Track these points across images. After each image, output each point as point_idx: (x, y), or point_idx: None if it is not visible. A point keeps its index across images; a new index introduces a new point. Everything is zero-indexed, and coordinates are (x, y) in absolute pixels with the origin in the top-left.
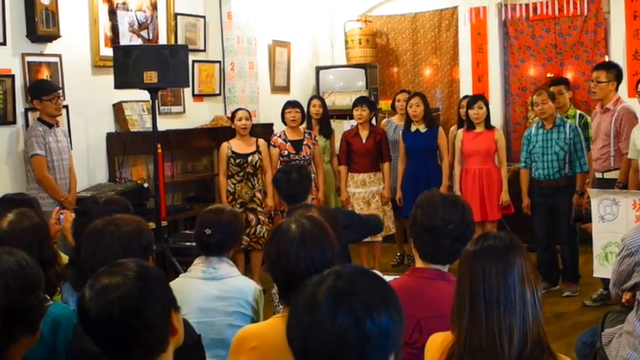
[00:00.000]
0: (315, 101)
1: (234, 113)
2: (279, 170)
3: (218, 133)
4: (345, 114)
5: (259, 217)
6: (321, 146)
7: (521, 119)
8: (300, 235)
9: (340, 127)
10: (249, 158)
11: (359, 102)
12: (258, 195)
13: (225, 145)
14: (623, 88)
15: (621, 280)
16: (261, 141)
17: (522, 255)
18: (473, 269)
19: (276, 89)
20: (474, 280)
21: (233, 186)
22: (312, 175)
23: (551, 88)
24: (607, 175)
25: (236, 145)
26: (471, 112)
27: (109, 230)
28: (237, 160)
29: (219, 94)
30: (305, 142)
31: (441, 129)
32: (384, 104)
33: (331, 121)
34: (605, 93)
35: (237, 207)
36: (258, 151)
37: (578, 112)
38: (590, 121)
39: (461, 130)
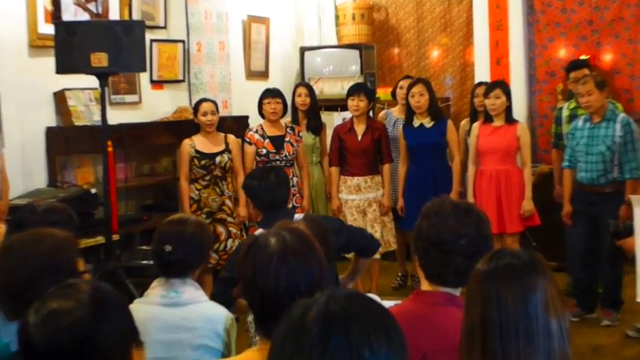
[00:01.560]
0: (301, 89)
1: (197, 105)
2: (250, 175)
3: (182, 127)
4: (335, 105)
5: (230, 229)
6: (309, 144)
7: (548, 110)
8: (281, 250)
9: (330, 120)
10: (217, 159)
11: (355, 90)
12: (229, 203)
13: (187, 142)
14: None
15: None
16: (232, 137)
17: (546, 276)
18: (485, 293)
19: (252, 75)
20: (486, 306)
21: (197, 192)
22: (296, 179)
23: (571, 74)
24: None
25: (201, 142)
26: (487, 101)
27: (22, 246)
28: (203, 161)
29: (183, 81)
30: (287, 139)
31: (450, 123)
32: (382, 93)
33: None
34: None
35: (204, 217)
36: (227, 149)
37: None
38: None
39: (476, 124)
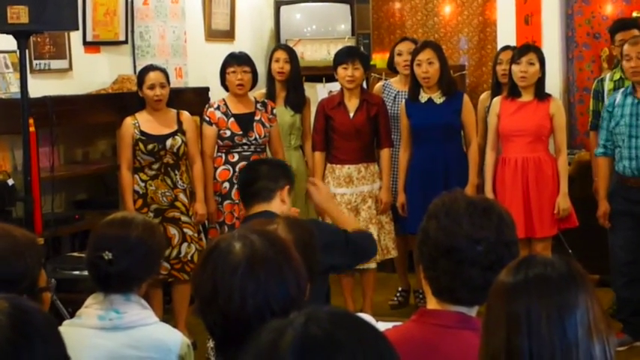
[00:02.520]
0: (280, 53)
1: (142, 75)
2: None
3: (123, 102)
4: (319, 74)
5: (185, 231)
6: (286, 123)
7: (591, 83)
8: (248, 258)
9: (312, 93)
10: (168, 142)
11: (348, 56)
12: (183, 198)
13: (129, 122)
14: None
15: None
16: (186, 115)
17: (588, 291)
18: (512, 313)
19: (213, 35)
20: (513, 330)
21: (143, 184)
22: None
23: (617, 36)
24: None
25: (147, 122)
26: (516, 68)
27: None
28: (150, 146)
29: (125, 42)
30: (257, 118)
31: (466, 98)
32: (379, 59)
33: None
34: None
35: (151, 217)
36: (180, 130)
37: None
38: None
39: (497, 99)
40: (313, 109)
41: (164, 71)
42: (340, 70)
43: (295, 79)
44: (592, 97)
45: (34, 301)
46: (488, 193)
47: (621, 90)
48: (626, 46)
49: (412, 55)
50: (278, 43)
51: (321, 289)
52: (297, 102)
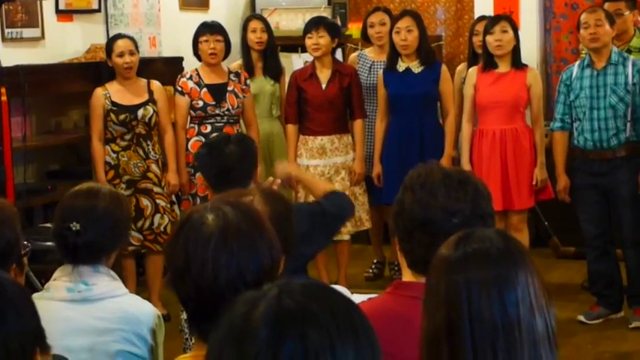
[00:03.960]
0: (256, 23)
1: (110, 44)
2: (205, 144)
3: (97, 71)
4: (295, 44)
5: (157, 202)
6: (267, 92)
7: (568, 54)
8: (221, 230)
9: (288, 64)
10: (140, 112)
11: (312, 25)
12: (155, 168)
13: (99, 92)
14: None
15: None
16: (156, 84)
17: (527, 267)
18: (452, 289)
19: (187, 4)
20: (453, 306)
21: (115, 155)
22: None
23: (606, 5)
24: None
25: (117, 92)
26: (490, 38)
27: None
28: (121, 116)
29: (99, 11)
30: (230, 88)
31: (444, 68)
32: (355, 29)
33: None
34: None
35: (123, 188)
36: (152, 100)
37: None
38: None
39: (473, 69)
40: (287, 79)
41: (132, 39)
42: (307, 40)
43: (272, 48)
44: None
45: (18, 271)
46: (465, 165)
47: (577, 63)
48: (583, 15)
49: (391, 23)
50: (252, 14)
51: (297, 266)
52: (275, 71)
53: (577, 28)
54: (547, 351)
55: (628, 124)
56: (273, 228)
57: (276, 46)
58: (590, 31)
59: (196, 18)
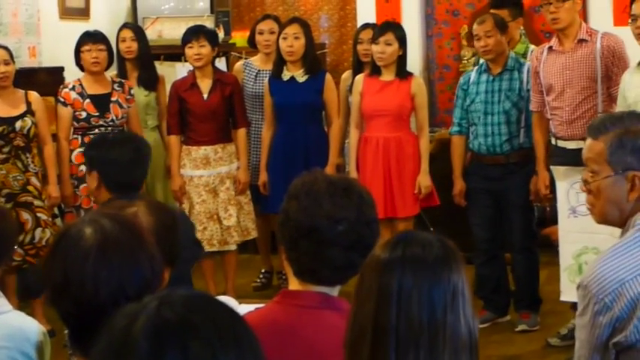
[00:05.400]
0: (125, 32)
1: None
2: (94, 143)
3: None
4: (179, 53)
5: (38, 215)
6: (141, 103)
7: (451, 60)
8: (100, 244)
9: (171, 73)
10: (18, 124)
11: (192, 35)
12: (35, 181)
13: None
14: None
15: (596, 347)
16: (35, 95)
17: (460, 273)
18: (383, 286)
19: (67, 13)
20: (382, 302)
21: None
22: None
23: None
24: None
25: None
26: (374, 49)
27: None
28: None
29: None
30: (114, 99)
31: (329, 77)
32: (239, 37)
33: (158, 64)
34: (571, 17)
35: (3, 201)
36: (30, 111)
37: (532, 47)
38: None
39: (359, 77)
40: (167, 89)
41: (6, 48)
42: (187, 50)
43: (144, 56)
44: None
45: None
46: (352, 172)
47: (475, 68)
48: (474, 26)
49: (279, 31)
50: (125, 22)
51: (184, 278)
52: (149, 80)
53: (465, 37)
54: (467, 356)
55: (522, 131)
56: (158, 239)
57: (151, 54)
58: (482, 44)
59: (77, 27)
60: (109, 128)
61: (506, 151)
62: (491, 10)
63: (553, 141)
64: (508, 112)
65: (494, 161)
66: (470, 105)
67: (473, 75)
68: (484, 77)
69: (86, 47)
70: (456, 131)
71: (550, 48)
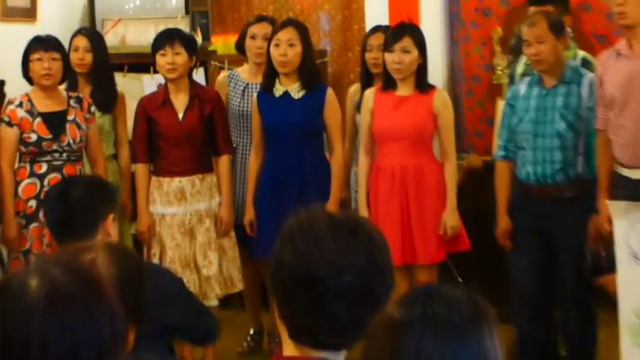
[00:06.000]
0: (79, 40)
1: None
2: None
3: None
4: (146, 62)
5: None
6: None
7: (481, 70)
8: (48, 298)
9: (137, 87)
10: None
11: (166, 40)
12: None
13: None
14: None
15: None
16: None
17: (492, 336)
18: (398, 351)
19: (9, 14)
20: None
21: None
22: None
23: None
24: None
25: None
26: (388, 58)
27: None
28: None
29: None
30: (71, 117)
31: (330, 92)
32: (220, 42)
33: (120, 75)
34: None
35: None
36: None
37: (582, 54)
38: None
39: (369, 92)
40: (132, 107)
41: None
42: (159, 58)
43: (100, 70)
44: (501, 83)
45: None
46: (362, 210)
47: (527, 79)
48: (523, 29)
49: (271, 35)
50: (78, 28)
51: (153, 344)
52: (104, 99)
53: (497, 41)
54: None
55: (579, 158)
56: (121, 291)
57: (109, 67)
58: (532, 51)
59: (21, 31)
60: (65, 154)
61: (559, 183)
62: (532, 8)
63: (616, 168)
64: (563, 134)
65: (545, 194)
66: (518, 124)
67: (523, 87)
68: (535, 91)
69: (36, 56)
70: (502, 156)
71: (618, 52)
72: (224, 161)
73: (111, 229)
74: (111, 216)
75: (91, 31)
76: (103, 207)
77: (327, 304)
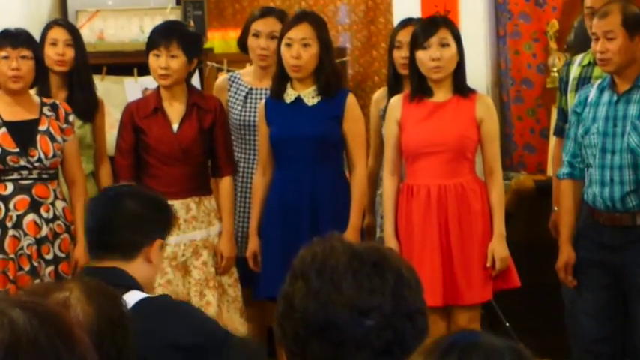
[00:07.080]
0: (57, 32)
1: None
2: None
3: None
4: (129, 63)
5: None
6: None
7: (533, 72)
8: (8, 346)
9: (118, 91)
10: None
11: (162, 37)
12: None
13: None
14: None
15: None
16: None
17: None
18: None
19: None
20: None
21: None
22: (62, 206)
23: (587, 1)
24: None
25: None
26: (423, 56)
27: None
28: None
29: None
30: (43, 128)
31: (352, 99)
32: (217, 40)
33: (98, 79)
34: None
35: None
36: None
37: None
38: None
39: (398, 99)
40: (117, 116)
41: None
42: (151, 60)
43: (81, 70)
44: (558, 89)
45: None
46: (390, 240)
47: (597, 83)
48: (594, 20)
49: (281, 32)
50: (55, 19)
51: None
52: (85, 106)
53: (554, 37)
54: None
55: None
56: (99, 339)
57: (89, 67)
58: (599, 49)
59: None
60: (35, 171)
61: (630, 208)
62: None
63: None
64: (635, 150)
65: (614, 222)
66: (584, 136)
67: (592, 92)
68: (606, 97)
69: (2, 54)
70: (566, 174)
71: None
72: (226, 183)
73: (153, 256)
74: (159, 242)
75: (68, 23)
76: (154, 230)
77: (347, 354)
